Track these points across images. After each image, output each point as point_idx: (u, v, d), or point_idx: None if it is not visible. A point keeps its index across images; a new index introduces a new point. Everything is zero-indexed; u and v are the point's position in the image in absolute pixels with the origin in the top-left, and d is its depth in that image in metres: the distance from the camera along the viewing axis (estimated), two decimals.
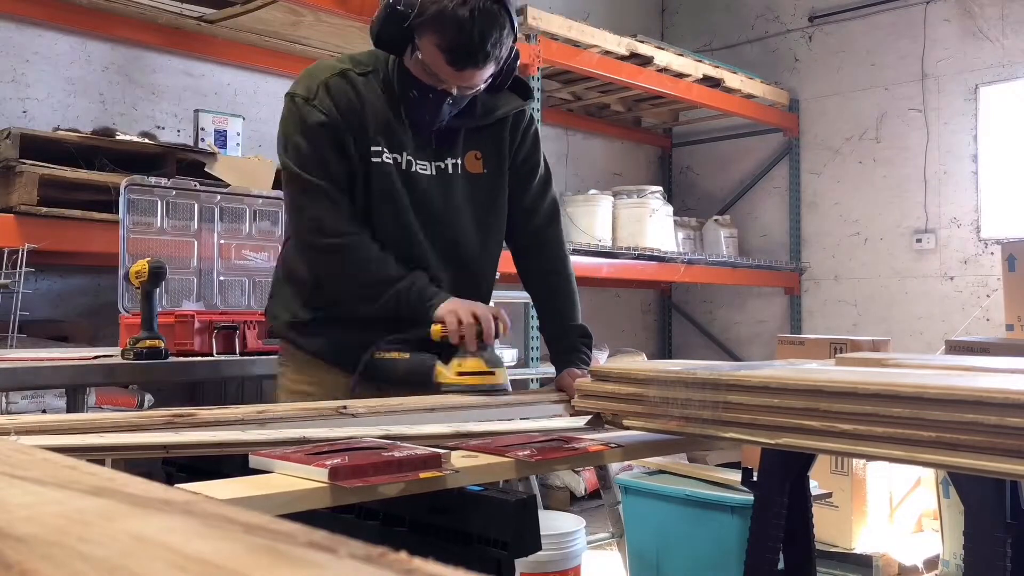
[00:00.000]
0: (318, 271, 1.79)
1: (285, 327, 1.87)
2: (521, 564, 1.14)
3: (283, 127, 1.79)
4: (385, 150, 1.75)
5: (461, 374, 1.66)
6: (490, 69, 1.68)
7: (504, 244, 1.97)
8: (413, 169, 1.78)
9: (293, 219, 1.81)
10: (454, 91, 1.70)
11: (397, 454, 1.04)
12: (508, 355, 1.93)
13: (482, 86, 1.73)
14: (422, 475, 1.02)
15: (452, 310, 1.65)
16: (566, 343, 1.89)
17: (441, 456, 1.05)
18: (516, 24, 1.69)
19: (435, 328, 1.67)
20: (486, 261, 1.91)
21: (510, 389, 1.73)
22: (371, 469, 0.99)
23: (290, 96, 1.78)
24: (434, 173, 1.80)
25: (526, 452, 1.16)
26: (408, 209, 1.77)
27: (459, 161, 1.82)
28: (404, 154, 1.77)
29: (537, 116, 4.16)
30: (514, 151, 1.90)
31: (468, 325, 1.64)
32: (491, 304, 1.84)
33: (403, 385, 1.70)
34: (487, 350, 1.68)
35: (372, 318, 1.74)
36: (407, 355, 1.72)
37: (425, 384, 1.68)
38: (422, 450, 1.07)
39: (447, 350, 1.69)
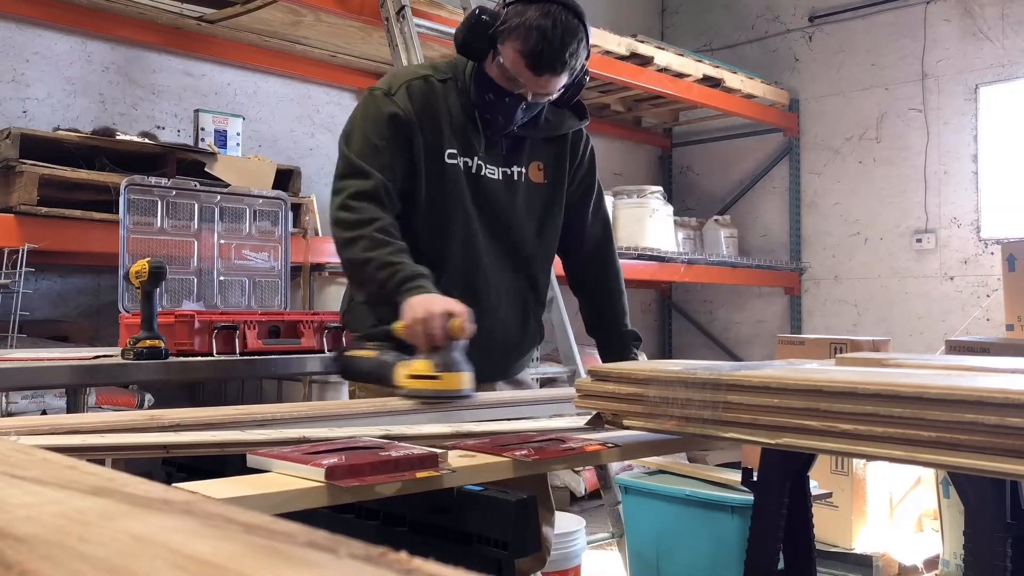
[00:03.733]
0: (338, 251, 1.81)
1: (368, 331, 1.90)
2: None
3: (352, 118, 1.89)
4: (458, 153, 1.86)
5: (410, 377, 1.55)
6: (564, 78, 1.81)
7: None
8: (483, 173, 1.89)
9: (332, 200, 1.82)
10: (529, 96, 1.81)
11: (394, 454, 1.04)
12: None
13: (554, 95, 1.84)
14: (418, 475, 1.02)
15: (412, 305, 1.58)
16: (620, 345, 2.04)
17: (438, 456, 1.05)
18: (590, 40, 1.82)
19: (398, 324, 1.59)
20: (540, 264, 2.01)
21: (473, 395, 1.56)
22: (367, 469, 0.99)
23: (369, 90, 1.89)
24: (501, 178, 1.91)
25: (523, 452, 1.16)
26: (473, 209, 1.87)
27: (524, 170, 1.94)
28: (475, 159, 1.88)
29: None
30: (574, 168, 2.03)
31: (417, 322, 1.55)
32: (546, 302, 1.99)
33: (372, 383, 1.70)
34: (441, 352, 1.53)
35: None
36: (375, 353, 1.67)
37: (388, 385, 1.61)
38: (419, 450, 1.07)
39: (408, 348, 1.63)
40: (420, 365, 1.54)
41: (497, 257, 1.91)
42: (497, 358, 1.90)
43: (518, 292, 1.95)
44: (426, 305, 1.57)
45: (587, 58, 1.85)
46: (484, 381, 1.70)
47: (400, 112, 1.81)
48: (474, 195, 1.88)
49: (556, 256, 2.10)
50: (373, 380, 1.69)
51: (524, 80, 1.77)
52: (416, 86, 1.85)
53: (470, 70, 1.85)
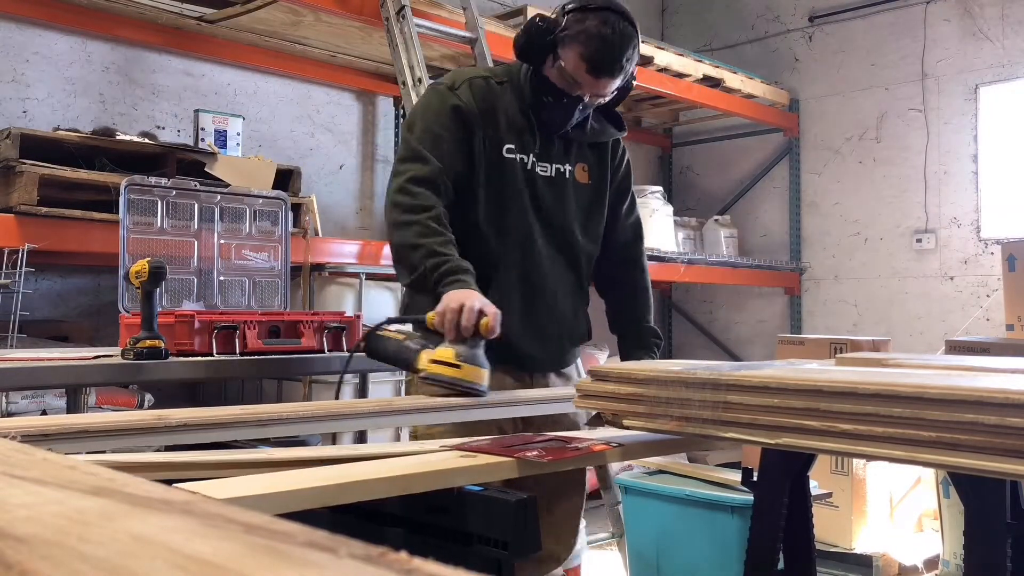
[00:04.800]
0: (389, 231, 1.87)
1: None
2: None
3: (414, 109, 2.02)
4: (515, 149, 1.97)
5: (432, 362, 1.62)
6: (619, 81, 1.94)
7: None
8: (536, 170, 1.99)
9: (391, 182, 1.90)
10: (587, 98, 1.93)
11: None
12: None
13: (608, 97, 1.97)
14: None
15: (449, 297, 1.67)
16: (641, 341, 2.12)
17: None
18: (639, 47, 1.97)
19: (431, 312, 1.66)
20: (587, 262, 2.10)
21: (487, 393, 1.64)
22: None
23: (433, 85, 2.03)
24: (552, 175, 2.01)
25: (534, 452, 1.16)
26: (529, 204, 1.97)
27: (572, 169, 2.05)
28: (530, 155, 1.98)
29: None
30: (612, 172, 2.14)
31: (451, 312, 1.63)
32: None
33: (392, 365, 1.79)
34: (467, 344, 1.61)
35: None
36: (402, 336, 1.74)
37: (408, 368, 1.71)
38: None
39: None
40: (444, 352, 1.61)
41: (551, 253, 2.00)
42: (553, 350, 1.99)
43: (571, 286, 2.05)
44: (462, 298, 1.65)
45: (636, 63, 1.98)
46: (539, 372, 1.83)
47: (462, 104, 1.91)
48: (530, 190, 1.97)
49: None
50: (393, 362, 1.77)
51: (583, 82, 1.89)
52: (477, 83, 1.96)
53: (525, 73, 1.97)
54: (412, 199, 1.81)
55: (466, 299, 1.64)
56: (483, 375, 1.62)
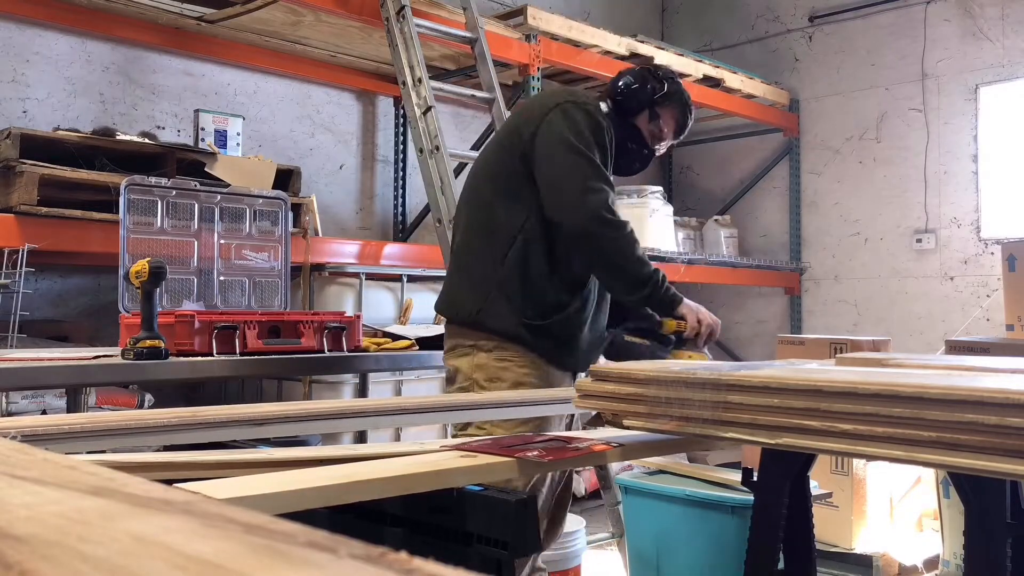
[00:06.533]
0: (601, 245, 2.01)
1: (516, 328, 2.05)
2: (522, 564, 1.14)
3: (583, 127, 2.05)
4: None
5: None
6: None
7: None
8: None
9: (582, 199, 1.97)
10: (658, 153, 2.25)
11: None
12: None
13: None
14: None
15: (692, 311, 2.02)
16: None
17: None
18: None
19: (671, 323, 1.99)
20: None
21: None
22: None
23: (583, 106, 2.07)
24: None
25: (535, 452, 1.16)
26: None
27: None
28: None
29: None
30: None
31: (704, 325, 1.98)
32: None
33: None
34: (705, 349, 1.94)
35: (585, 323, 2.09)
36: (647, 341, 2.05)
37: None
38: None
39: (668, 342, 2.05)
40: (700, 357, 1.96)
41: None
42: (596, 356, 2.22)
43: (605, 302, 2.27)
44: (697, 311, 2.02)
45: None
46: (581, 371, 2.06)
47: (609, 134, 2.11)
48: None
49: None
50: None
51: (667, 140, 2.20)
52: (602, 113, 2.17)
53: (606, 111, 2.17)
54: (619, 219, 2.03)
55: (700, 313, 2.01)
56: None
